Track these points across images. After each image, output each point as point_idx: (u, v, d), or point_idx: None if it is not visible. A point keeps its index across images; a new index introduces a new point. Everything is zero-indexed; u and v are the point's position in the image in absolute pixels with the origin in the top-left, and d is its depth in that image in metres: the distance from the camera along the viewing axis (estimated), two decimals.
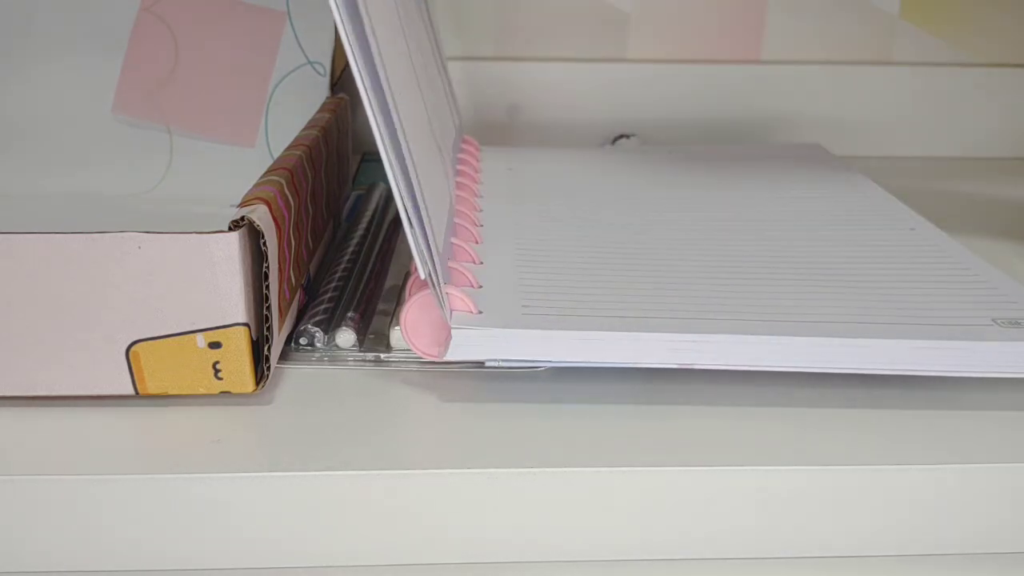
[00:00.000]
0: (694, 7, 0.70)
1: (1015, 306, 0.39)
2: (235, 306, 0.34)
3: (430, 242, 0.35)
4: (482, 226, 0.46)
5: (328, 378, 0.38)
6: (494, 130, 0.71)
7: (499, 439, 0.34)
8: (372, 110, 0.33)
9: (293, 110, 0.58)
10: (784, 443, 0.34)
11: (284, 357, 0.39)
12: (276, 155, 0.51)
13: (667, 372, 0.37)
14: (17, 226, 0.34)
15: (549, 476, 0.32)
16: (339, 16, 0.33)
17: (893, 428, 0.35)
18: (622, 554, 0.33)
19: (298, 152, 0.44)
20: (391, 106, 0.34)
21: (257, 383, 0.36)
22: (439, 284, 0.35)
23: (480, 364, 0.38)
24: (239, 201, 0.36)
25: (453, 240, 0.41)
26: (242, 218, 0.34)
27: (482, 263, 0.41)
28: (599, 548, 0.33)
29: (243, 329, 0.35)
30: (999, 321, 0.38)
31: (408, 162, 0.35)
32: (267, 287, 0.35)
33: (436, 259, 0.35)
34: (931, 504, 0.33)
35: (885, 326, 0.37)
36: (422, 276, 0.35)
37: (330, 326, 0.41)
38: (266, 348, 0.36)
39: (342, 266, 0.46)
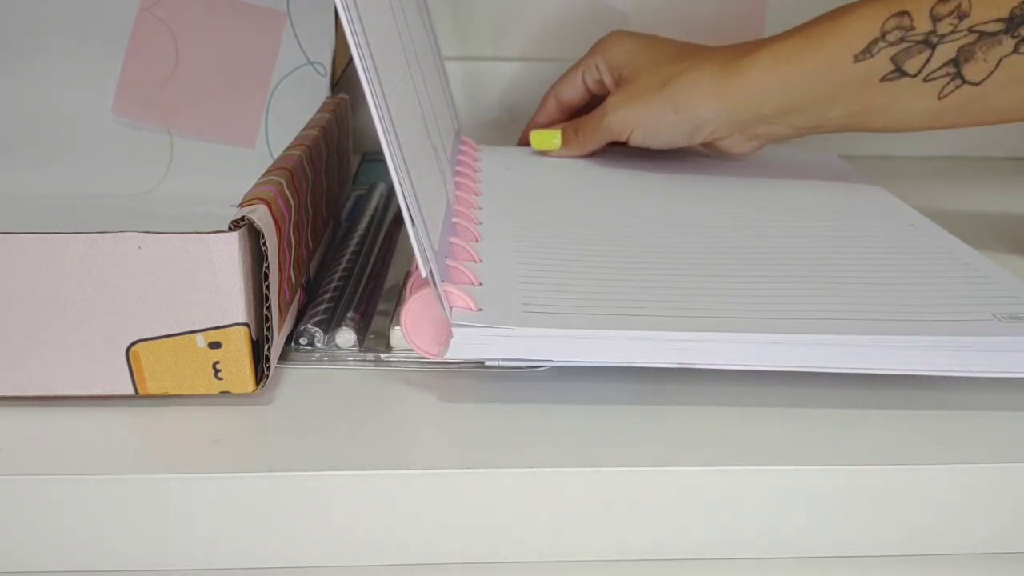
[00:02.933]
0: (694, 7, 0.70)
1: (1014, 300, 0.39)
2: (235, 306, 0.34)
3: (424, 240, 0.35)
4: (481, 224, 0.46)
5: (328, 378, 0.38)
6: (494, 130, 0.71)
7: (499, 439, 0.34)
8: (375, 107, 0.34)
9: (293, 110, 0.58)
10: (784, 443, 0.34)
11: (284, 357, 0.39)
12: (276, 155, 0.51)
13: (667, 372, 0.37)
14: (17, 226, 0.34)
15: (549, 476, 0.32)
16: (345, 13, 0.33)
17: (893, 428, 0.35)
18: (622, 554, 0.33)
19: (298, 152, 0.44)
20: (384, 105, 0.34)
21: (257, 383, 0.36)
22: (438, 282, 0.35)
23: (480, 364, 0.38)
24: (239, 201, 0.36)
25: (452, 239, 0.41)
26: (242, 218, 0.34)
27: (482, 261, 0.41)
28: (599, 548, 0.33)
29: (243, 329, 0.35)
30: (999, 316, 0.38)
31: (401, 160, 0.35)
32: (267, 287, 0.35)
33: (432, 257, 0.35)
34: (931, 504, 0.33)
35: (886, 324, 0.37)
36: (423, 274, 0.35)
37: (330, 326, 0.41)
38: (266, 348, 0.36)
39: (342, 266, 0.46)
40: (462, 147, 0.60)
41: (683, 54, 0.56)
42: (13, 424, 0.35)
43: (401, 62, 0.41)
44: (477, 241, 0.44)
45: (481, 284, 0.39)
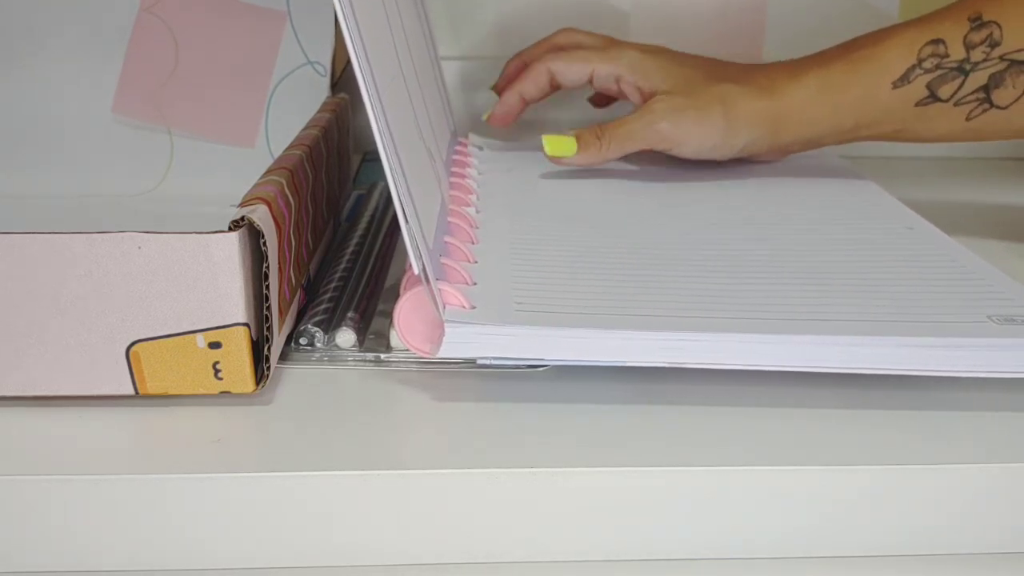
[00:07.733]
0: (694, 7, 0.70)
1: (1010, 303, 0.39)
2: (235, 306, 0.34)
3: (417, 237, 0.35)
4: (479, 228, 0.46)
5: (328, 378, 0.38)
6: (493, 131, 0.70)
7: (499, 439, 0.34)
8: (371, 107, 0.34)
9: (293, 110, 0.58)
10: (784, 443, 0.34)
11: (284, 357, 0.39)
12: (276, 155, 0.51)
13: (667, 372, 0.37)
14: (17, 226, 0.34)
15: (549, 476, 0.32)
16: (342, 15, 0.33)
17: (892, 428, 0.35)
18: (622, 554, 0.33)
19: (298, 152, 0.44)
20: (377, 99, 0.34)
21: (257, 383, 0.36)
22: (431, 279, 0.35)
23: (475, 363, 0.38)
24: (239, 201, 0.36)
25: (448, 239, 0.41)
26: (242, 218, 0.34)
27: (477, 262, 0.41)
28: (599, 548, 0.33)
29: (243, 329, 0.35)
30: (994, 318, 0.38)
31: (395, 156, 0.35)
32: (267, 287, 0.35)
33: (425, 253, 0.35)
34: (931, 504, 0.33)
35: (881, 324, 0.37)
36: (415, 271, 0.35)
37: (330, 326, 0.41)
38: (266, 348, 0.36)
39: (342, 266, 0.46)
40: (461, 148, 0.60)
41: (720, 69, 0.57)
42: (13, 424, 0.35)
43: (394, 62, 0.42)
44: (473, 243, 0.44)
45: (475, 283, 0.39)
